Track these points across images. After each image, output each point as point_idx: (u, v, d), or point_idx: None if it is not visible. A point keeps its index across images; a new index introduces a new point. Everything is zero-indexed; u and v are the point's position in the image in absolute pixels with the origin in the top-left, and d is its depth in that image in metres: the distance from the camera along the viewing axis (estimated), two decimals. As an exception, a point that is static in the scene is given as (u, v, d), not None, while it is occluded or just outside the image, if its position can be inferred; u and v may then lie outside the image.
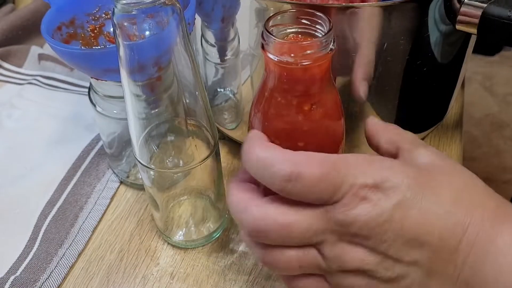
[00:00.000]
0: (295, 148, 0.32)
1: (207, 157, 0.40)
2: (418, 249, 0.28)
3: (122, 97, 0.36)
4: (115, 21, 0.31)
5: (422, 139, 0.53)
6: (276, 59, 0.31)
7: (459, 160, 0.51)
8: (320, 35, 0.32)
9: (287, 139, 0.34)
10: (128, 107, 0.36)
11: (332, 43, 0.31)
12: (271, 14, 0.33)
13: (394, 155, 0.33)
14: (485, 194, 0.30)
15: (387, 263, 0.29)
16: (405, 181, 0.29)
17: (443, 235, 0.28)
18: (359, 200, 0.28)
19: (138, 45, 0.32)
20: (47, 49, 0.67)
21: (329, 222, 0.29)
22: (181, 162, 0.42)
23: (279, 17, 0.33)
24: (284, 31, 0.33)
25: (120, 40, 0.32)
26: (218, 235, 0.45)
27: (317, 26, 0.32)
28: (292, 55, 0.31)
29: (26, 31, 0.69)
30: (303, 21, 0.33)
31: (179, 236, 0.45)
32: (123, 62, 0.33)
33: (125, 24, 0.31)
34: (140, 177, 0.49)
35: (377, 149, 0.34)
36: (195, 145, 0.40)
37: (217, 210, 0.45)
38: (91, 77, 0.41)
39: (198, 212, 0.46)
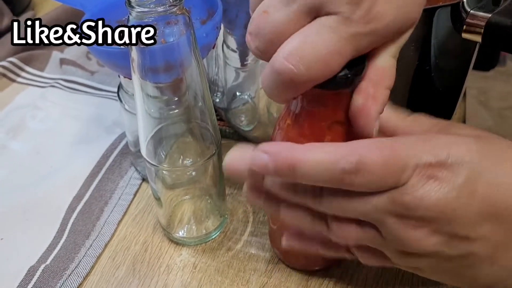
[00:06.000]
0: None
1: (209, 157, 0.42)
2: (486, 223, 0.27)
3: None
4: None
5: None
6: None
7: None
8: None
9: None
10: (138, 106, 0.38)
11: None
12: None
13: None
14: None
15: (453, 242, 0.28)
16: (468, 155, 0.27)
17: None
18: (426, 180, 0.27)
19: (150, 50, 0.35)
20: (67, 54, 0.70)
21: (393, 204, 0.27)
22: (185, 161, 0.44)
23: None
24: None
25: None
26: (217, 234, 0.47)
27: None
28: None
29: (47, 37, 0.72)
30: None
31: (180, 233, 0.47)
32: (135, 64, 0.36)
33: None
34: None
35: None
36: (199, 146, 0.43)
37: (218, 209, 0.47)
38: (124, 77, 0.44)
39: (199, 211, 0.48)
